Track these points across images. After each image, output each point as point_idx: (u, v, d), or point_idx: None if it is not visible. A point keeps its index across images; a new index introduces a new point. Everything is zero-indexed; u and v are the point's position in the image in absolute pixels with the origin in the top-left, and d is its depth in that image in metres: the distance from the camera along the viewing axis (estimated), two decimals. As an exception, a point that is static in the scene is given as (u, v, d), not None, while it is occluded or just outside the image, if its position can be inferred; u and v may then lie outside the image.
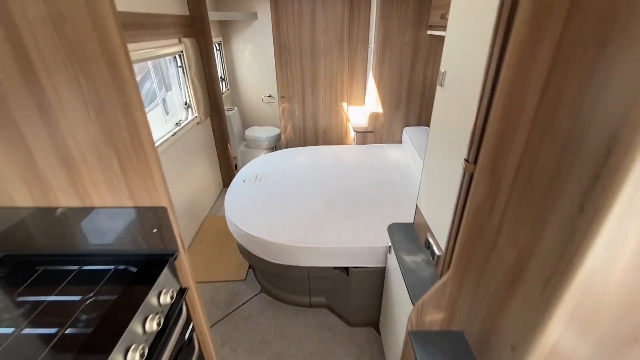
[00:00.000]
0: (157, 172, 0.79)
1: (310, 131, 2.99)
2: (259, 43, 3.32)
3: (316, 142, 3.06)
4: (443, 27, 2.00)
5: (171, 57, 2.30)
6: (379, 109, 2.54)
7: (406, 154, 2.49)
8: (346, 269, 1.63)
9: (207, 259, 2.27)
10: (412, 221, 1.42)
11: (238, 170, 3.29)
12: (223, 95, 3.29)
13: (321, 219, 1.68)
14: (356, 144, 2.74)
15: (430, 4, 2.18)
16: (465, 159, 0.81)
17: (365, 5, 2.48)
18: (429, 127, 2.66)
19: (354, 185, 2.00)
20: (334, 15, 2.51)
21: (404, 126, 2.63)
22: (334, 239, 1.56)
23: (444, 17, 1.91)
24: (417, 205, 1.36)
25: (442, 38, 2.31)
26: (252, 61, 3.43)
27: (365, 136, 2.68)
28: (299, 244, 1.54)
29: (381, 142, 2.69)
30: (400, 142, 2.70)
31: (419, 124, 2.62)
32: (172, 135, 2.13)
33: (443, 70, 1.03)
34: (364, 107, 2.91)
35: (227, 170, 3.09)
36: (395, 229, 1.41)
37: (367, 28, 2.57)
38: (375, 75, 2.42)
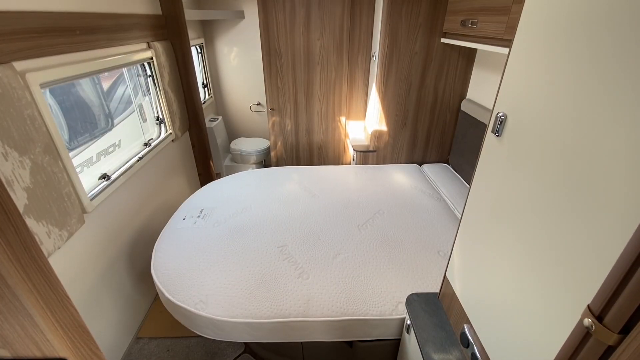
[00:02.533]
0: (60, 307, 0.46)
1: (303, 148, 2.65)
2: (246, 45, 2.96)
3: (310, 161, 2.72)
4: (462, 36, 1.69)
5: (138, 65, 1.93)
6: (382, 126, 2.22)
7: (421, 186, 2.18)
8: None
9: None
10: (433, 283, 1.10)
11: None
12: (206, 104, 2.93)
13: (281, 277, 1.33)
14: (356, 163, 2.42)
15: (445, 7, 1.87)
16: (592, 312, 0.44)
17: (368, 8, 2.15)
18: (447, 163, 2.40)
19: (321, 224, 1.67)
20: (332, 19, 2.17)
21: (410, 145, 2.31)
22: (310, 306, 1.23)
23: (466, 24, 1.59)
24: (445, 276, 1.05)
25: (460, 48, 2.00)
26: (238, 65, 3.07)
27: (366, 156, 2.36)
28: (256, 319, 1.20)
29: (384, 163, 2.38)
30: (408, 162, 2.39)
31: (427, 145, 2.31)
32: (138, 160, 1.77)
33: (500, 114, 0.72)
34: (364, 121, 2.58)
35: (210, 189, 2.74)
36: (417, 305, 1.09)
37: (369, 34, 2.24)
38: (379, 88, 2.10)
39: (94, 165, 1.57)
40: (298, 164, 2.73)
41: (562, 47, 0.55)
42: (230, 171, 3.14)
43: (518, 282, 0.66)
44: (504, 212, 0.74)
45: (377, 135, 2.26)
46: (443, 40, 1.94)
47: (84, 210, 1.34)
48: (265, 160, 3.22)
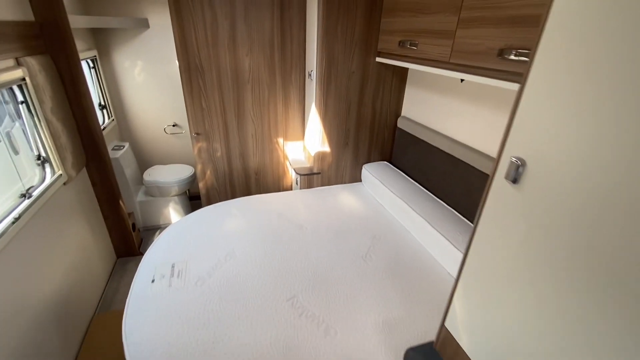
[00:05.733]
0: None
1: (238, 175, 2.36)
2: (153, 58, 2.52)
3: (247, 189, 2.44)
4: (401, 57, 1.68)
5: (4, 90, 1.40)
6: (325, 147, 2.11)
7: (372, 193, 2.12)
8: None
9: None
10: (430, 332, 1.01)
11: (138, 231, 2.47)
12: (106, 130, 2.38)
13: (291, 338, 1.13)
14: (300, 187, 2.25)
15: (378, 26, 1.85)
16: None
17: (299, 23, 2.02)
18: (388, 162, 2.40)
19: (323, 260, 1.51)
20: (261, 34, 1.97)
21: (353, 165, 2.26)
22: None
23: (405, 45, 1.59)
24: (444, 325, 0.96)
25: (393, 67, 2.01)
26: (146, 81, 2.59)
27: (310, 179, 2.21)
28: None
29: (329, 184, 2.27)
30: (352, 182, 2.32)
31: (368, 161, 2.28)
32: (14, 222, 1.26)
33: (514, 159, 0.64)
34: (303, 141, 2.43)
35: (121, 233, 2.22)
36: (418, 363, 0.98)
37: (302, 50, 2.11)
38: (319, 108, 1.98)
39: None
40: (233, 193, 2.42)
41: (603, 81, 0.49)
42: (146, 208, 2.62)
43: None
44: (518, 271, 0.66)
45: (320, 156, 2.14)
46: (378, 59, 1.93)
47: None
48: (190, 190, 2.80)
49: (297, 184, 2.33)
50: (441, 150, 1.77)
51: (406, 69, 2.06)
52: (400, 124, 2.14)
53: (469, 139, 1.62)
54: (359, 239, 1.69)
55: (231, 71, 2.01)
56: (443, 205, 1.76)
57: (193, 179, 2.64)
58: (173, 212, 2.70)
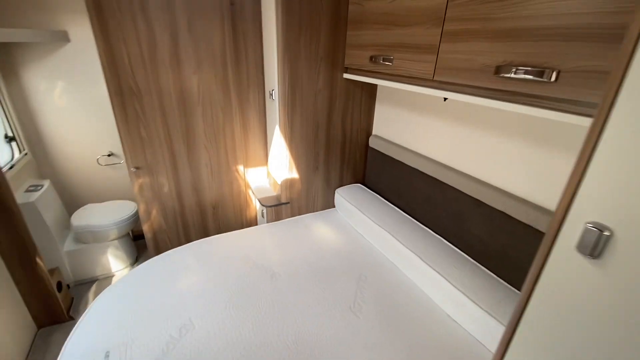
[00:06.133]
0: None
1: (192, 212, 2.01)
2: (78, 77, 2.10)
3: (204, 227, 2.10)
4: (373, 73, 1.51)
5: None
6: (293, 174, 1.86)
7: (348, 220, 1.90)
8: None
9: None
10: None
11: (67, 288, 1.90)
12: (16, 167, 1.91)
13: None
14: (267, 221, 1.97)
15: (344, 40, 1.68)
16: None
17: (254, 37, 1.77)
18: (361, 183, 2.20)
19: (305, 320, 1.24)
20: (210, 49, 1.69)
21: (325, 190, 2.04)
22: None
23: (378, 60, 1.42)
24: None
25: (362, 84, 1.84)
26: (70, 105, 2.15)
27: (278, 210, 1.94)
28: None
29: (299, 214, 2.02)
30: (325, 208, 2.09)
31: (341, 185, 2.08)
32: None
33: (591, 227, 0.46)
34: (267, 167, 2.16)
35: (41, 298, 1.75)
36: None
37: (259, 67, 1.86)
38: (284, 131, 1.74)
39: None
40: (187, 235, 2.06)
41: None
42: (77, 259, 2.15)
43: None
44: None
45: (288, 184, 1.88)
46: (346, 75, 1.74)
47: None
48: (133, 232, 2.37)
49: (263, 216, 2.05)
50: (423, 172, 1.62)
51: (375, 86, 1.91)
52: (373, 143, 1.98)
53: (456, 162, 1.48)
54: (343, 283, 1.46)
55: (176, 93, 1.70)
56: (429, 232, 1.60)
57: (136, 218, 2.23)
58: (114, 260, 2.25)
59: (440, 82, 1.17)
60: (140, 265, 1.53)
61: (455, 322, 1.27)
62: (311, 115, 1.77)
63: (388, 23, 1.34)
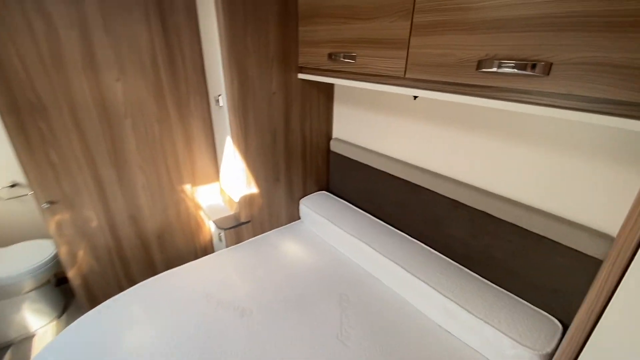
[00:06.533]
0: None
1: (131, 246, 1.68)
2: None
3: (148, 261, 1.77)
4: (333, 72, 1.37)
5: None
6: (252, 188, 1.65)
7: (316, 232, 1.74)
8: None
9: None
10: None
11: None
12: None
13: None
14: (227, 245, 1.72)
15: (296, 36, 1.51)
16: None
17: (190, 35, 1.51)
18: (325, 190, 2.04)
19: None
20: (136, 50, 1.39)
21: (288, 202, 1.85)
22: None
23: (337, 58, 1.28)
24: None
25: (318, 84, 1.69)
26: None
27: (239, 231, 1.71)
28: None
29: (263, 232, 1.81)
30: (289, 222, 1.91)
31: (305, 194, 1.92)
32: None
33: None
34: (219, 183, 1.91)
35: None
36: None
37: (200, 69, 1.60)
38: (238, 142, 1.52)
39: None
40: (128, 274, 1.72)
41: None
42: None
43: None
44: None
45: (247, 201, 1.66)
46: (301, 76, 1.58)
47: None
48: (58, 276, 1.93)
49: (221, 240, 1.80)
50: (394, 175, 1.53)
51: (331, 86, 1.78)
52: (334, 147, 1.85)
53: (429, 163, 1.41)
54: (325, 308, 1.30)
55: (96, 104, 1.37)
56: (406, 237, 1.52)
57: (55, 262, 1.81)
58: (32, 316, 1.80)
59: (414, 79, 1.07)
60: (69, 327, 1.20)
61: (450, 333, 1.20)
62: (267, 122, 1.57)
63: (347, 16, 1.20)
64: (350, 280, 1.46)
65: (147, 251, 1.73)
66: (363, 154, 1.67)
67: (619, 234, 0.43)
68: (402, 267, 1.34)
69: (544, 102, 0.79)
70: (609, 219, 0.95)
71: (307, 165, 1.85)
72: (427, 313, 1.27)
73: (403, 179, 1.50)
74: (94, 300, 1.61)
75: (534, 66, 0.75)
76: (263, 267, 1.52)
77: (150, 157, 1.57)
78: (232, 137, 1.51)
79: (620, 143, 0.89)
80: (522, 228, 1.11)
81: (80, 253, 1.51)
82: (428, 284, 1.24)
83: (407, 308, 1.31)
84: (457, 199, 1.29)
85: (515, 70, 0.79)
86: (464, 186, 1.27)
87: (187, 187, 1.76)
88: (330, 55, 1.33)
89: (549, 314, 1.10)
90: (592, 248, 0.95)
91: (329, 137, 1.89)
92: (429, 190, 1.39)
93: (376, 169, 1.63)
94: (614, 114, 0.70)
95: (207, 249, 1.98)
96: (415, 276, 1.28)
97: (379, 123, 1.59)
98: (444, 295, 1.19)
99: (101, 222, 1.53)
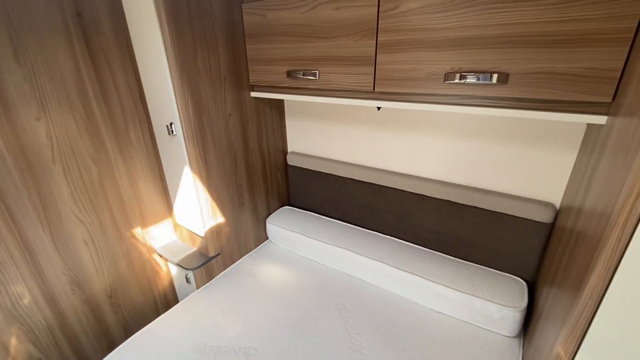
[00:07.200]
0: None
1: (78, 314, 1.36)
2: None
3: (103, 329, 1.46)
4: (290, 89, 1.38)
5: None
6: (218, 219, 1.53)
7: (289, 248, 1.71)
8: None
9: None
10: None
11: None
12: None
13: None
14: (197, 287, 1.55)
15: (244, 55, 1.46)
16: None
17: (121, 58, 1.31)
18: (287, 205, 1.98)
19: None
20: (59, 80, 1.14)
21: (254, 224, 1.77)
22: None
23: (297, 75, 1.30)
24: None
25: (270, 101, 1.66)
26: None
27: (209, 267, 1.56)
28: None
29: (232, 262, 1.69)
30: (257, 244, 1.83)
31: (269, 213, 1.86)
32: None
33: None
34: (172, 218, 1.70)
35: None
36: None
37: (137, 96, 1.40)
38: (198, 172, 1.39)
39: None
40: (76, 348, 1.39)
41: None
42: None
43: None
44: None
45: (215, 232, 1.53)
46: (254, 94, 1.54)
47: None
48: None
49: (189, 282, 1.61)
50: (358, 180, 1.62)
51: (281, 101, 1.77)
52: (292, 160, 1.85)
53: (392, 164, 1.54)
54: (328, 323, 1.30)
55: (12, 152, 1.08)
56: (378, 235, 1.63)
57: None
58: None
59: (382, 92, 1.16)
60: None
61: (443, 314, 1.33)
62: (225, 146, 1.48)
63: (306, 35, 1.23)
64: (340, 289, 1.49)
65: (98, 316, 1.43)
66: (322, 163, 1.71)
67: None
68: (386, 263, 1.43)
69: (502, 105, 0.97)
70: (549, 191, 1.20)
71: (268, 183, 1.80)
72: (419, 301, 1.38)
73: (368, 182, 1.59)
74: (35, 395, 1.26)
75: (493, 77, 0.91)
76: (249, 299, 1.43)
77: (89, 204, 1.31)
78: (192, 167, 1.38)
79: (554, 131, 1.13)
80: (482, 209, 1.32)
81: (13, 342, 1.17)
82: (415, 274, 1.36)
83: (400, 301, 1.41)
84: (422, 193, 1.45)
85: (478, 81, 0.94)
86: (426, 181, 1.42)
87: (137, 231, 1.53)
88: (289, 73, 1.33)
89: (514, 275, 1.33)
90: (539, 215, 1.19)
91: (285, 151, 1.88)
92: (395, 189, 1.51)
93: (338, 176, 1.69)
94: (555, 110, 0.89)
95: (167, 297, 1.75)
96: (402, 269, 1.39)
97: (334, 132, 1.66)
98: (432, 281, 1.32)
99: (36, 297, 1.21)
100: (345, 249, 1.54)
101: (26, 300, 1.19)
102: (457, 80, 0.97)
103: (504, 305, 1.18)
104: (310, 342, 1.22)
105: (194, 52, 1.25)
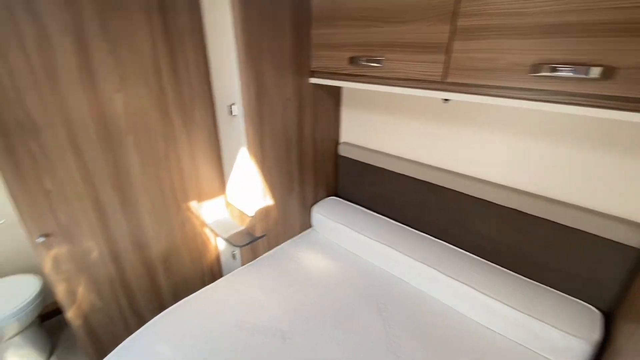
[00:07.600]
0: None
1: (137, 274, 1.50)
2: None
3: (155, 291, 1.59)
4: (352, 77, 1.33)
5: None
6: (268, 201, 1.56)
7: (332, 239, 1.70)
8: None
9: None
10: None
11: None
12: None
13: None
14: (242, 264, 1.61)
15: (308, 40, 1.44)
16: None
17: (193, 38, 1.37)
18: (335, 196, 1.97)
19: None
20: (137, 56, 1.23)
21: (301, 211, 1.78)
22: None
23: (360, 62, 1.24)
24: None
25: (328, 88, 1.63)
26: None
27: (255, 247, 1.61)
28: None
29: (277, 244, 1.72)
30: (302, 230, 1.84)
31: (315, 201, 1.86)
32: None
33: None
34: (224, 196, 1.78)
35: None
36: None
37: (204, 76, 1.47)
38: (255, 154, 1.42)
39: None
40: (134, 308, 1.53)
41: None
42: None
43: None
44: None
45: (264, 214, 1.57)
46: (313, 80, 1.52)
47: None
48: (44, 317, 1.68)
49: (234, 258, 1.68)
50: (413, 178, 1.53)
51: (339, 89, 1.73)
52: (344, 151, 1.81)
53: (452, 163, 1.42)
54: (366, 320, 1.26)
55: (95, 121, 1.19)
56: (428, 237, 1.53)
57: (41, 300, 1.57)
58: (14, 365, 1.56)
59: (454, 83, 1.06)
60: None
61: (494, 331, 1.22)
62: (281, 130, 1.49)
63: (374, 19, 1.17)
64: (382, 287, 1.43)
65: (153, 279, 1.56)
66: (376, 156, 1.65)
67: None
68: (434, 268, 1.34)
69: (602, 105, 0.82)
70: (644, 210, 1.02)
71: (318, 172, 1.79)
72: (468, 314, 1.28)
73: (422, 180, 1.50)
74: (97, 341, 1.42)
75: (594, 70, 0.77)
76: (290, 283, 1.44)
77: (154, 176, 1.42)
78: (249, 149, 1.41)
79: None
80: (556, 223, 1.16)
81: (80, 290, 1.32)
82: (466, 284, 1.26)
83: (445, 310, 1.31)
84: (485, 197, 1.32)
85: (572, 74, 0.81)
86: (492, 185, 1.30)
87: (193, 204, 1.62)
88: (351, 59, 1.28)
89: (586, 302, 1.16)
90: (631, 238, 1.02)
91: (336, 141, 1.84)
92: (453, 190, 1.40)
93: (391, 171, 1.61)
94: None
95: (213, 270, 1.84)
96: (451, 277, 1.29)
97: (391, 125, 1.58)
98: (485, 294, 1.21)
99: (103, 253, 1.35)
100: (391, 247, 1.48)
101: (95, 254, 1.32)
102: (546, 73, 0.84)
103: (570, 334, 1.04)
104: (347, 336, 1.19)
105: (260, 34, 1.26)
